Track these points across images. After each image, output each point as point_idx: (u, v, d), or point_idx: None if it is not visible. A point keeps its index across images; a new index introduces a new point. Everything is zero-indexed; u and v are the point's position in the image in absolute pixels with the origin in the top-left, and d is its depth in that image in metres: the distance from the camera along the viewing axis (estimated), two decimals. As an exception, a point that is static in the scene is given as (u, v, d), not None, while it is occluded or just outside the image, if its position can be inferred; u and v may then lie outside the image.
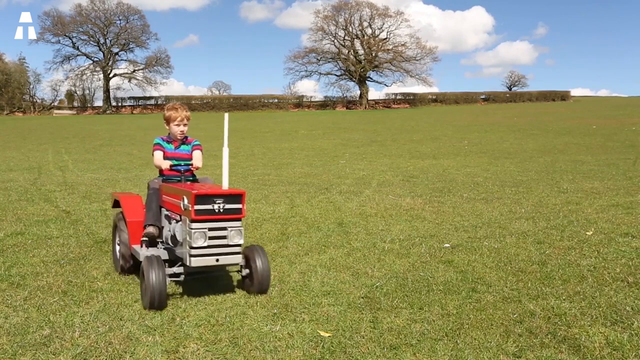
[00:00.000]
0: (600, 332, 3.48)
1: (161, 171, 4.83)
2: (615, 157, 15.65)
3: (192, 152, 4.91)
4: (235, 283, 4.56)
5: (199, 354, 3.26)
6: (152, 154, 4.89)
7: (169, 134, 4.91)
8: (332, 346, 3.34)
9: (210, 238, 4.04)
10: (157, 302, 3.86)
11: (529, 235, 6.15)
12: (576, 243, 5.77)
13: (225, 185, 4.31)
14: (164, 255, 4.52)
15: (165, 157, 4.79)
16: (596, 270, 4.81)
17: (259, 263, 4.23)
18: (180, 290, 4.39)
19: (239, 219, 4.14)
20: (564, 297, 4.13)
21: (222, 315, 3.82)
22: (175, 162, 4.75)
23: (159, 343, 3.37)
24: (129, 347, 3.31)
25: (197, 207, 3.99)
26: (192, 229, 4.01)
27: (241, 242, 4.15)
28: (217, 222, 4.06)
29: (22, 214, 7.54)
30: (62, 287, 4.41)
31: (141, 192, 9.74)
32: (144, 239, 4.57)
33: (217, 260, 4.11)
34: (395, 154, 18.40)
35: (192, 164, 4.78)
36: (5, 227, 6.69)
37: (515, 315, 3.79)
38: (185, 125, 4.82)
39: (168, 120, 4.82)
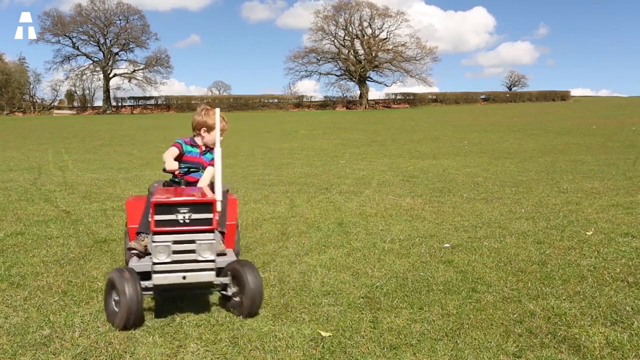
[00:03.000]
0: (600, 332, 3.49)
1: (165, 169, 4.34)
2: (615, 157, 15.65)
3: (210, 162, 4.49)
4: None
5: (199, 354, 3.26)
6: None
7: (193, 137, 4.54)
8: (332, 346, 3.34)
9: (175, 253, 3.61)
10: (132, 320, 3.49)
11: (529, 235, 6.15)
12: (576, 243, 5.77)
13: (218, 192, 3.93)
14: (148, 267, 3.89)
15: (187, 161, 4.41)
16: (596, 270, 4.81)
17: (250, 281, 3.69)
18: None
19: (210, 231, 3.69)
20: (564, 297, 4.13)
21: (222, 315, 3.82)
22: (194, 167, 4.44)
23: (159, 343, 3.37)
24: (129, 347, 3.31)
25: (157, 217, 3.60)
26: (153, 242, 3.61)
27: (212, 257, 3.68)
28: (182, 234, 3.63)
29: (22, 214, 7.54)
30: (62, 287, 4.40)
31: (141, 192, 9.75)
32: (130, 248, 4.09)
33: (184, 277, 3.66)
34: (395, 154, 18.40)
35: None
36: (5, 227, 6.69)
37: (515, 315, 3.79)
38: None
39: (206, 127, 4.44)
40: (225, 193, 4.41)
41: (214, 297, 4.18)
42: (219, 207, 3.87)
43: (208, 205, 3.66)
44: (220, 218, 4.18)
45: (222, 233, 4.38)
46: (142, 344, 3.35)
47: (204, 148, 4.53)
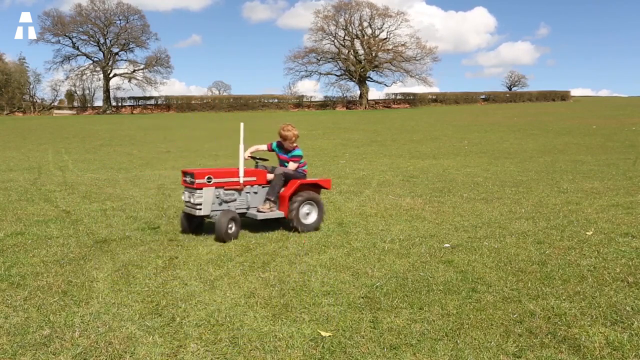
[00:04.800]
0: (600, 332, 3.49)
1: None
2: (615, 157, 15.65)
3: (290, 158, 6.84)
4: (235, 283, 4.56)
5: (199, 354, 3.26)
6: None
7: (279, 141, 6.91)
8: (332, 346, 3.34)
9: (188, 197, 6.29)
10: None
11: (529, 235, 6.15)
12: (576, 243, 5.77)
13: (241, 172, 6.46)
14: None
15: (279, 159, 6.98)
16: (596, 270, 4.81)
17: (216, 221, 6.05)
18: (181, 290, 4.39)
19: (197, 188, 6.19)
20: (564, 297, 4.13)
21: (222, 315, 3.82)
22: (280, 161, 6.94)
23: (159, 343, 3.37)
24: (129, 347, 3.31)
25: (184, 178, 6.44)
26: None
27: (196, 201, 6.17)
28: (189, 189, 6.32)
29: (22, 214, 7.53)
30: (62, 287, 4.40)
31: (141, 192, 9.77)
32: None
33: (198, 210, 6.23)
34: (395, 154, 18.41)
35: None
36: (5, 227, 6.68)
37: (515, 315, 3.79)
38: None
39: (283, 137, 6.82)
40: (280, 176, 6.56)
41: (214, 298, 4.18)
42: (241, 180, 6.47)
43: (193, 174, 6.23)
44: (269, 189, 6.57)
45: (271, 200, 6.49)
46: (142, 344, 3.35)
47: (286, 150, 6.89)
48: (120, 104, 68.56)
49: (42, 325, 3.63)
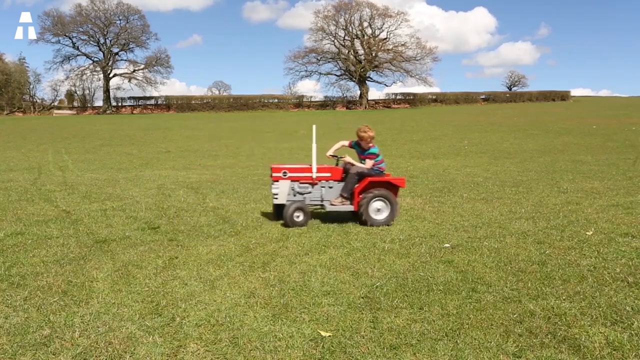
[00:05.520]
0: (600, 332, 3.49)
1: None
2: (615, 157, 15.65)
3: (366, 156, 7.17)
4: (235, 283, 4.56)
5: (199, 354, 3.26)
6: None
7: (358, 140, 7.22)
8: (332, 346, 3.34)
9: (272, 189, 7.14)
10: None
11: (529, 235, 6.15)
12: (576, 243, 5.77)
13: (314, 168, 7.10)
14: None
15: (359, 157, 7.30)
16: (596, 270, 4.81)
17: (285, 208, 6.79)
18: (181, 290, 4.39)
19: (274, 181, 7.03)
20: (564, 297, 4.13)
21: (222, 315, 3.82)
22: (358, 160, 7.29)
23: (159, 343, 3.37)
24: (129, 347, 3.31)
25: (270, 171, 7.24)
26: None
27: (274, 192, 7.04)
28: (272, 182, 7.11)
29: (22, 214, 7.53)
30: (62, 287, 4.40)
31: (141, 192, 9.77)
32: None
33: (275, 200, 7.08)
34: (395, 154, 18.41)
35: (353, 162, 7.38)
36: (5, 227, 6.68)
37: (515, 315, 3.79)
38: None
39: (359, 137, 7.15)
40: (354, 175, 6.98)
41: (214, 298, 4.19)
42: (314, 175, 7.11)
43: (271, 169, 7.14)
44: (343, 186, 7.08)
45: (343, 196, 7.03)
46: (142, 344, 3.35)
47: (362, 149, 7.21)
48: (120, 104, 68.53)
49: (42, 325, 3.63)
